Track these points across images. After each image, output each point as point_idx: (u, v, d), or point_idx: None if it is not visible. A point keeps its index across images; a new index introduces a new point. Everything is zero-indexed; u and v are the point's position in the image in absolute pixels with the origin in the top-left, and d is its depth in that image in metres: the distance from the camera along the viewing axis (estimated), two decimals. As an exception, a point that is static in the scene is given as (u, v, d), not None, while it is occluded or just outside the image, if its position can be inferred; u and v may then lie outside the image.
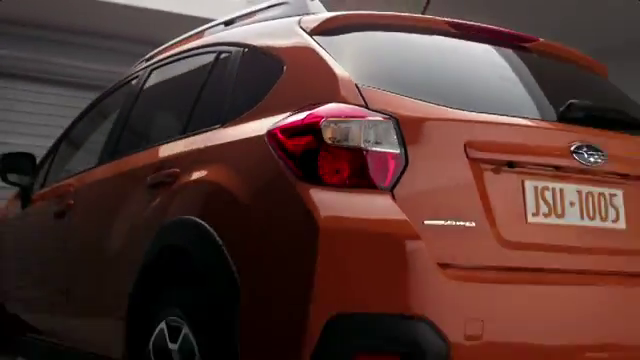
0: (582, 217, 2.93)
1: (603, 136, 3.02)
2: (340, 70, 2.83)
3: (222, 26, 3.87)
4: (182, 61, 3.88)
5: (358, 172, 2.64)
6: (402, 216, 2.59)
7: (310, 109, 2.73)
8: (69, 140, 4.98)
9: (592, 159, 2.93)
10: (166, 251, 3.14)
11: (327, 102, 2.74)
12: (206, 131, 3.27)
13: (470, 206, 2.72)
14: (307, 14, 3.28)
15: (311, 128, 2.67)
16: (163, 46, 4.32)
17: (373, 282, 2.54)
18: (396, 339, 2.52)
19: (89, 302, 3.89)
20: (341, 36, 3.06)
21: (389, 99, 2.76)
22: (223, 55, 3.49)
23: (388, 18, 3.22)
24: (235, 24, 3.77)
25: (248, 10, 3.73)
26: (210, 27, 3.97)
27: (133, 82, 4.29)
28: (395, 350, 2.53)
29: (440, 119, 2.76)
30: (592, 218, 2.96)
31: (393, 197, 2.63)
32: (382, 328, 2.53)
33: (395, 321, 2.53)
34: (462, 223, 2.70)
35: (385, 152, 2.66)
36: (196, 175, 3.12)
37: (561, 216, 2.89)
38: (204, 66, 3.61)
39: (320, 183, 2.63)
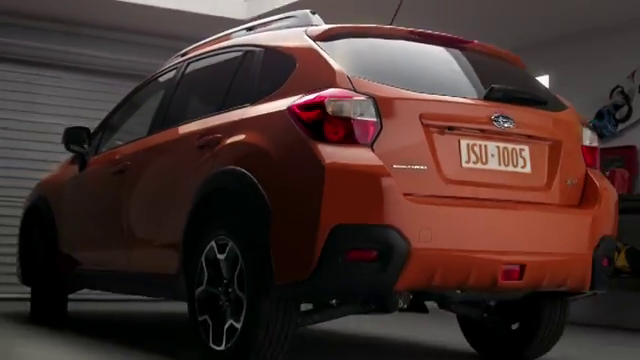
0: (500, 164, 4.34)
1: (514, 109, 4.43)
2: (337, 65, 4.21)
3: (245, 31, 5.23)
4: (216, 56, 5.24)
5: (349, 133, 4.03)
6: (379, 162, 3.98)
7: (317, 92, 4.11)
8: (117, 117, 6.32)
9: (506, 125, 4.34)
10: (215, 191, 4.50)
11: (328, 88, 4.12)
12: (239, 108, 4.63)
13: (423, 156, 4.12)
14: (310, 25, 4.66)
15: (319, 104, 4.05)
16: (195, 44, 5.67)
17: (360, 204, 3.93)
18: (375, 240, 3.92)
19: (148, 235, 5.24)
20: (337, 41, 4.44)
21: (370, 85, 4.14)
22: (249, 53, 4.86)
23: (370, 29, 4.60)
24: (256, 30, 5.13)
25: (265, 20, 5.10)
26: (235, 31, 5.33)
27: (173, 71, 5.64)
28: (374, 247, 3.92)
29: (404, 98, 4.16)
30: (507, 165, 4.37)
31: (373, 150, 4.02)
32: (366, 233, 3.92)
33: (374, 228, 3.92)
34: (418, 167, 4.10)
35: (367, 120, 4.05)
36: (235, 138, 4.49)
37: (485, 163, 4.30)
38: (234, 60, 4.97)
39: (325, 141, 4.01)
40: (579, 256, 4.45)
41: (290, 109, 4.17)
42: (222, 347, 4.33)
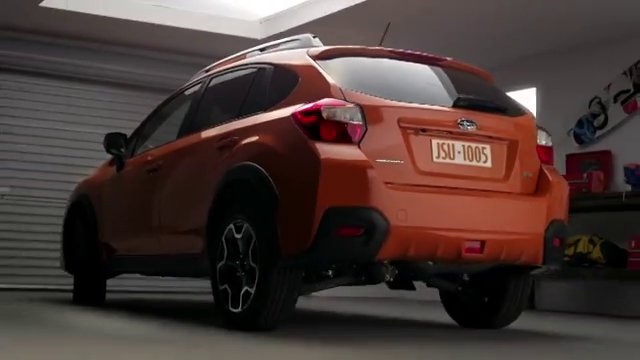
0: (465, 159, 5.32)
1: (477, 115, 5.40)
2: (331, 80, 5.21)
3: (258, 52, 6.26)
4: (234, 72, 6.26)
5: (341, 134, 5.02)
6: (364, 157, 4.97)
7: (315, 101, 5.11)
8: (150, 124, 7.36)
9: (469, 127, 5.32)
10: (234, 183, 5.50)
11: (324, 98, 5.12)
12: (253, 115, 5.64)
13: (400, 152, 5.11)
14: (312, 47, 5.67)
15: (316, 111, 5.05)
16: (217, 62, 6.69)
17: (349, 190, 4.92)
18: (361, 219, 4.90)
19: (177, 222, 6.25)
20: (332, 60, 5.44)
21: (358, 95, 5.14)
22: (261, 70, 5.87)
23: (360, 50, 5.62)
24: (267, 51, 6.16)
25: (275, 42, 6.13)
26: (250, 51, 6.36)
27: (198, 85, 6.68)
28: (360, 225, 4.91)
29: (385, 106, 5.15)
30: (471, 160, 5.35)
31: (359, 147, 5.01)
32: (354, 214, 4.91)
33: (360, 210, 4.91)
34: (396, 161, 5.08)
35: (354, 124, 5.04)
36: (249, 140, 5.48)
37: (452, 158, 5.28)
38: (249, 76, 5.99)
39: (321, 140, 5.00)
40: (532, 235, 5.41)
41: (293, 115, 5.17)
42: (239, 309, 5.32)
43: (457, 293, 6.16)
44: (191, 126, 6.45)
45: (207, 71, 6.80)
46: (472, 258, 5.22)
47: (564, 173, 9.39)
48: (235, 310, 5.36)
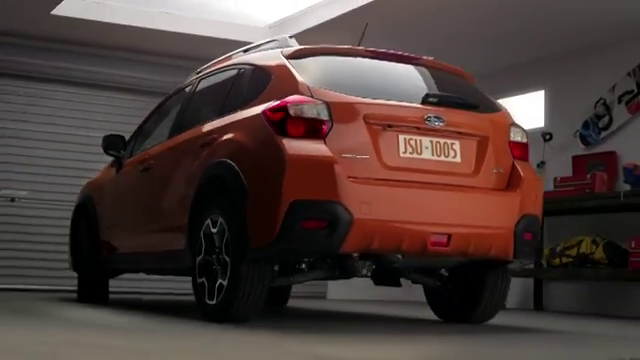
0: (433, 154, 5.43)
1: (446, 111, 5.51)
2: (300, 78, 5.36)
3: (242, 53, 6.44)
4: (219, 74, 6.45)
5: (307, 130, 5.16)
6: (329, 152, 5.10)
7: (283, 99, 5.26)
8: (147, 126, 7.57)
9: (436, 123, 5.43)
10: (212, 178, 5.67)
11: (292, 95, 5.27)
12: (233, 112, 5.81)
13: (366, 148, 5.23)
14: (288, 47, 5.83)
15: (283, 108, 5.21)
16: (208, 64, 6.89)
17: (314, 184, 5.07)
18: (324, 212, 5.04)
19: (166, 219, 6.44)
20: (304, 59, 5.60)
21: (325, 93, 5.28)
22: (242, 70, 6.05)
23: (333, 49, 5.76)
24: (250, 52, 6.33)
25: (256, 44, 6.31)
26: (235, 53, 6.54)
27: (188, 87, 6.88)
28: (324, 218, 5.04)
29: (351, 102, 5.29)
30: (439, 155, 5.45)
31: (325, 143, 5.15)
32: (317, 207, 5.05)
33: (324, 203, 5.05)
34: (362, 156, 5.21)
35: (320, 120, 5.18)
36: (226, 137, 5.65)
37: (420, 154, 5.39)
38: (231, 76, 6.17)
39: (288, 136, 5.15)
40: (501, 229, 5.50)
41: (263, 112, 5.33)
42: (214, 301, 5.48)
43: (438, 289, 6.25)
44: (180, 126, 6.65)
45: (198, 73, 7.00)
46: (438, 251, 5.32)
47: (570, 174, 9.42)
48: (210, 302, 5.52)
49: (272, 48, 6.03)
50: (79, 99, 10.65)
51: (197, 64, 10.29)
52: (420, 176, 5.36)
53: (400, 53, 5.94)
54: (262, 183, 5.22)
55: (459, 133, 5.54)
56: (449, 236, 5.30)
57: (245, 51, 6.47)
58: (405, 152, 5.36)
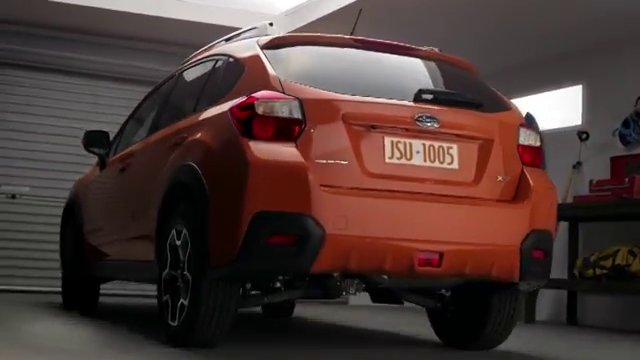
0: (425, 160, 4.71)
1: (441, 110, 4.78)
2: (272, 71, 4.68)
3: (224, 42, 5.77)
4: (198, 66, 5.80)
5: (276, 131, 4.49)
6: (299, 157, 4.42)
7: (251, 95, 4.59)
8: (131, 121, 6.97)
9: (429, 124, 4.71)
10: (176, 185, 5.03)
11: (261, 90, 4.60)
12: (204, 109, 5.16)
13: (345, 152, 4.54)
14: (266, 35, 5.15)
15: (250, 105, 4.54)
16: (194, 53, 6.24)
17: (281, 194, 4.39)
18: (292, 226, 4.36)
19: (138, 226, 5.82)
20: (280, 49, 4.92)
21: (298, 88, 4.60)
22: (219, 61, 5.39)
23: (315, 37, 5.06)
24: (231, 41, 5.66)
25: (237, 32, 5.64)
26: (218, 42, 5.88)
27: (171, 79, 6.24)
28: (291, 233, 4.37)
29: (328, 99, 4.59)
30: (433, 161, 4.73)
31: (296, 146, 4.47)
32: (284, 220, 4.37)
33: (291, 216, 4.37)
34: (339, 161, 4.52)
35: (292, 119, 4.50)
36: (194, 137, 5.01)
37: (409, 159, 4.68)
38: (209, 69, 5.52)
39: (254, 138, 4.49)
40: (504, 247, 4.76)
41: (231, 110, 4.66)
42: (176, 323, 4.84)
43: (439, 310, 5.53)
44: (158, 122, 6.04)
45: (183, 63, 6.36)
46: (428, 272, 4.61)
47: (608, 177, 8.60)
48: (173, 324, 4.89)
49: (252, 37, 5.35)
50: (84, 90, 10.15)
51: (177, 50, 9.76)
52: (409, 185, 4.65)
53: (393, 43, 5.21)
54: (224, 192, 4.56)
55: (457, 135, 4.81)
56: (441, 254, 4.59)
57: (227, 40, 5.80)
58: (392, 157, 4.65)
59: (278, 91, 4.57)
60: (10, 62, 9.72)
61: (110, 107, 10.02)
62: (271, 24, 5.26)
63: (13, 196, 9.64)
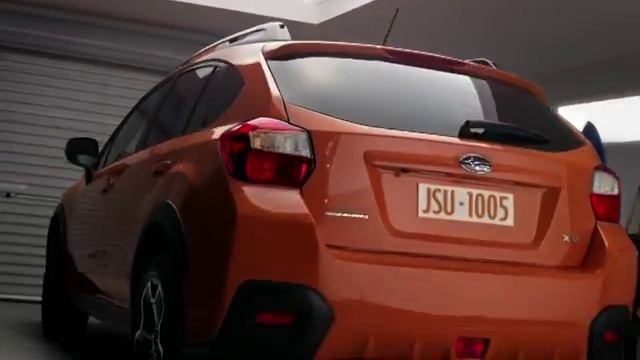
0: (471, 215, 3.60)
1: (495, 149, 3.67)
2: (275, 91, 3.59)
3: (228, 43, 4.68)
4: (196, 71, 4.71)
5: (275, 172, 3.41)
6: (303, 208, 3.35)
7: (248, 120, 3.51)
8: (123, 130, 5.91)
9: (478, 168, 3.59)
10: (152, 226, 3.98)
11: (260, 116, 3.51)
12: (193, 132, 4.10)
13: (365, 203, 3.45)
14: (275, 40, 4.06)
15: (243, 136, 3.46)
16: (194, 54, 5.16)
17: (276, 258, 3.32)
18: (290, 302, 3.30)
19: (115, 264, 4.79)
20: (289, 61, 3.81)
21: (307, 115, 3.50)
22: (217, 69, 4.30)
23: (335, 46, 3.95)
24: (235, 42, 4.57)
25: (243, 32, 4.53)
26: (221, 42, 4.79)
27: (167, 84, 5.16)
28: (288, 310, 3.30)
29: (347, 132, 3.49)
30: (481, 216, 3.62)
31: (301, 193, 3.39)
32: (280, 293, 3.30)
33: (290, 288, 3.30)
34: (357, 215, 3.43)
35: (297, 157, 3.42)
36: (177, 167, 3.95)
37: (450, 213, 3.57)
38: (206, 76, 4.44)
39: (246, 180, 3.41)
40: (569, 329, 3.67)
41: (221, 138, 3.59)
42: (146, 403, 3.81)
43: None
44: (147, 137, 4.98)
45: (183, 65, 5.28)
46: (468, 364, 3.52)
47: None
48: (142, 404, 3.85)
49: (259, 39, 4.25)
50: (90, 79, 9.09)
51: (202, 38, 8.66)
52: (447, 248, 3.56)
53: (432, 55, 4.07)
54: (205, 248, 3.51)
55: (514, 182, 3.70)
56: (486, 341, 3.50)
57: (231, 41, 4.70)
58: (427, 210, 3.55)
59: (281, 118, 3.49)
60: (7, 46, 8.72)
61: (119, 98, 8.92)
62: (282, 26, 4.16)
63: (8, 194, 8.67)
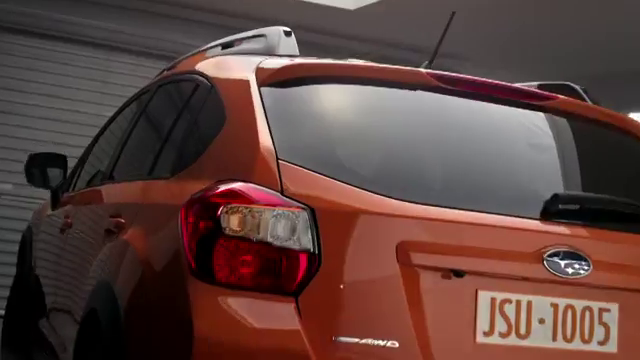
0: (554, 338, 2.38)
1: (595, 239, 2.43)
2: (266, 140, 2.37)
3: (220, 49, 3.45)
4: (175, 85, 3.49)
5: (258, 272, 2.22)
6: (299, 334, 2.16)
7: (219, 186, 2.31)
8: (96, 147, 4.73)
9: (570, 269, 2.36)
10: (90, 312, 2.83)
11: (241, 179, 2.30)
12: (158, 178, 2.91)
13: (395, 321, 2.24)
14: (276, 54, 2.84)
15: (209, 211, 2.25)
16: (179, 59, 3.93)
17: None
18: None
19: (62, 327, 3.70)
20: (290, 89, 2.58)
21: (311, 182, 2.29)
22: (198, 89, 3.07)
23: (353, 69, 2.70)
24: (228, 50, 3.34)
25: (239, 36, 3.31)
26: (212, 47, 3.56)
27: (144, 96, 3.95)
28: None
29: (369, 212, 2.27)
30: (569, 340, 2.40)
31: (297, 305, 2.19)
32: None
33: None
34: (382, 342, 2.22)
35: (294, 250, 2.21)
36: (130, 233, 2.78)
37: (524, 337, 2.35)
38: (183, 98, 3.23)
39: (212, 281, 2.22)
40: None
41: (183, 207, 2.38)
42: None
43: None
44: (114, 167, 3.78)
45: (161, 73, 4.05)
46: None
47: None
48: None
49: (257, 49, 3.01)
50: (91, 64, 7.89)
51: (249, 23, 7.54)
52: None
53: (498, 83, 2.78)
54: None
55: (622, 288, 2.45)
56: None
57: (224, 47, 3.45)
58: (491, 333, 2.33)
59: (271, 185, 2.28)
60: (4, 25, 7.61)
61: (122, 87, 7.77)
62: (288, 33, 2.91)
63: None
